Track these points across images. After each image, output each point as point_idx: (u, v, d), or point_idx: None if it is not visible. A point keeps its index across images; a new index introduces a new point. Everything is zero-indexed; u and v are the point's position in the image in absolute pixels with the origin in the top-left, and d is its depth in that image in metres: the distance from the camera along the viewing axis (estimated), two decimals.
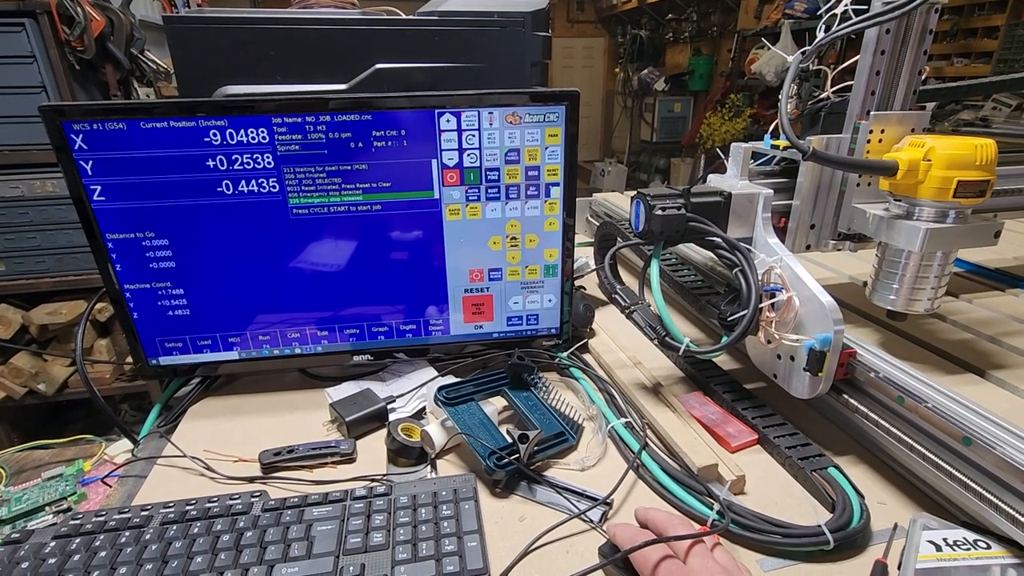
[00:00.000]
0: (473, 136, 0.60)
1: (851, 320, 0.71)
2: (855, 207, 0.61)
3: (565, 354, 0.71)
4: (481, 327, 0.69)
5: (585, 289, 0.87)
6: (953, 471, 0.44)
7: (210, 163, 0.57)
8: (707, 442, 0.54)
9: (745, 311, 0.53)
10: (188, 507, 0.48)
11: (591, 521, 0.48)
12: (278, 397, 0.68)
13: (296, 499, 0.49)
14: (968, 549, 0.43)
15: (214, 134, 0.56)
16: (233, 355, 0.66)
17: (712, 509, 0.47)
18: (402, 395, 0.65)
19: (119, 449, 0.99)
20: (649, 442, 0.56)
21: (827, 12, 0.56)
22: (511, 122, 0.60)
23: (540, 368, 0.67)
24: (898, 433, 0.49)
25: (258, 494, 0.50)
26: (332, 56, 0.76)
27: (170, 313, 0.63)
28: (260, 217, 0.60)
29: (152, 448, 0.60)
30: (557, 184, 0.63)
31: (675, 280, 0.78)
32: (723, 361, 0.69)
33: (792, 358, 0.54)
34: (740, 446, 0.56)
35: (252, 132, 0.57)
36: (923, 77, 0.60)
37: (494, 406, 0.61)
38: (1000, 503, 0.41)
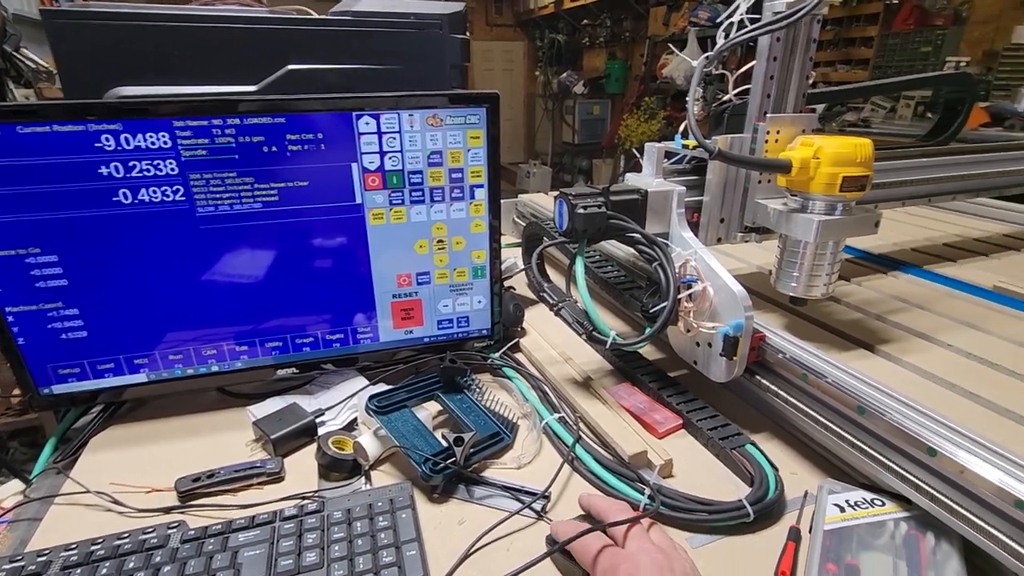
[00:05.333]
0: (394, 139, 0.59)
1: (760, 306, 0.77)
2: (758, 202, 0.65)
3: (497, 354, 0.72)
4: (411, 332, 0.68)
5: (514, 289, 0.88)
6: (851, 438, 0.49)
7: (104, 171, 0.52)
8: (636, 430, 0.57)
9: (665, 303, 0.55)
10: (94, 547, 0.44)
11: (533, 512, 0.49)
12: (194, 419, 0.63)
13: (219, 526, 0.46)
14: (867, 508, 0.48)
15: (107, 139, 0.52)
16: (140, 377, 0.61)
17: (644, 494, 0.49)
18: (331, 407, 0.62)
19: (8, 492, 0.88)
20: (582, 435, 0.58)
21: (726, 20, 0.60)
22: (432, 124, 0.59)
23: (473, 369, 0.67)
24: (804, 407, 0.53)
25: (175, 525, 0.47)
26: (240, 56, 0.72)
27: (63, 336, 0.57)
28: (165, 227, 0.56)
29: (48, 487, 0.55)
30: (481, 186, 0.63)
31: (600, 276, 0.81)
32: (648, 352, 0.72)
33: (710, 344, 0.58)
34: (667, 431, 0.58)
35: (152, 136, 0.53)
36: (810, 81, 0.65)
37: (428, 411, 0.61)
38: (891, 464, 0.46)
